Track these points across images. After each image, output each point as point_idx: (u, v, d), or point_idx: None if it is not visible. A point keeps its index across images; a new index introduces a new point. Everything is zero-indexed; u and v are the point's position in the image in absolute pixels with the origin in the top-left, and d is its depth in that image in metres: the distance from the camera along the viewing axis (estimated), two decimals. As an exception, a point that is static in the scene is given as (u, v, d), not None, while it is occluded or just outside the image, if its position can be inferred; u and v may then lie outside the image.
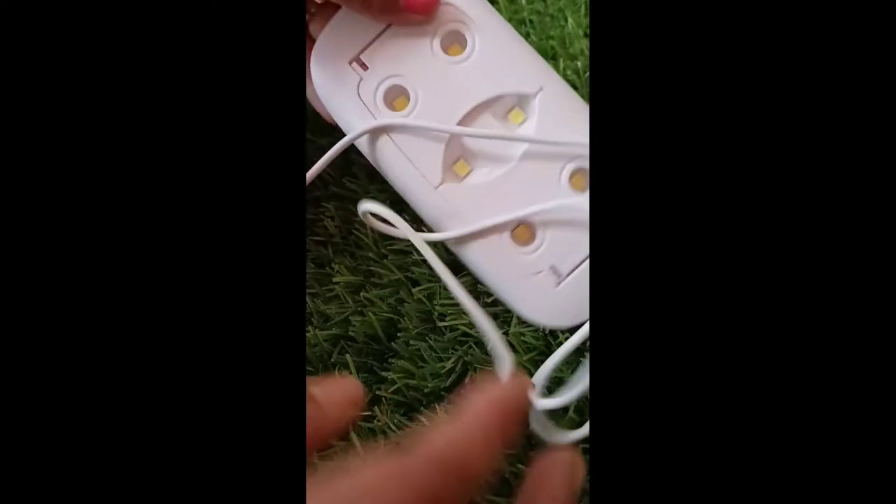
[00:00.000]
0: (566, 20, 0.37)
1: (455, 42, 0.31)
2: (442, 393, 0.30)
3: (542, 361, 0.30)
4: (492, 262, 0.30)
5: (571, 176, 0.30)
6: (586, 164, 0.29)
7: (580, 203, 0.29)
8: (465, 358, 0.31)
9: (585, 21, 0.37)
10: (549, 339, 0.30)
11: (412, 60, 0.30)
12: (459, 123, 0.30)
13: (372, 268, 0.33)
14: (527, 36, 0.38)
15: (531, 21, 0.38)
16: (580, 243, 0.29)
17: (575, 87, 0.35)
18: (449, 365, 0.30)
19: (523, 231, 0.30)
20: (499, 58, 0.30)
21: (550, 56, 0.36)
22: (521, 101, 0.31)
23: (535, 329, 0.31)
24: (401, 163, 0.30)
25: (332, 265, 0.33)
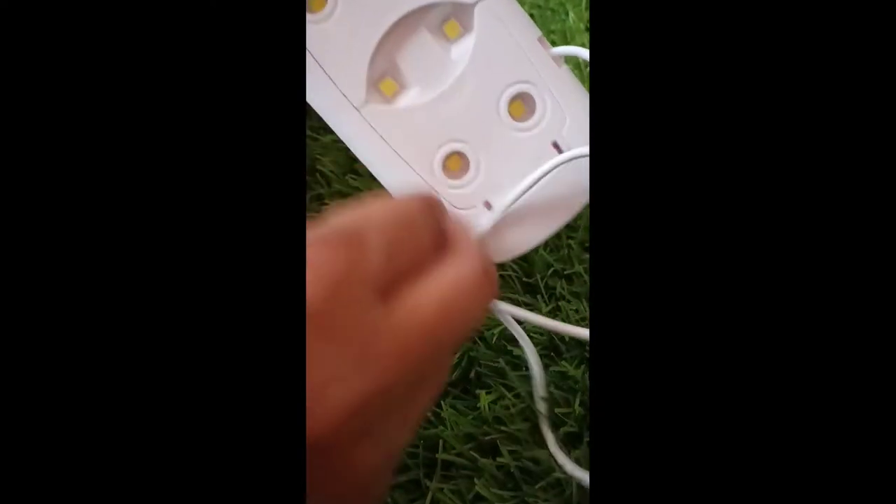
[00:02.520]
0: (567, 14, 0.37)
1: None
2: (448, 388, 0.30)
3: (547, 355, 0.30)
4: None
5: (511, 102, 0.27)
6: (529, 87, 0.27)
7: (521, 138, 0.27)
8: (471, 353, 0.31)
9: (586, 15, 0.37)
10: (552, 335, 0.30)
11: None
12: (387, 34, 0.27)
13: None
14: (528, 30, 0.38)
15: (532, 15, 0.38)
16: (517, 175, 0.27)
17: (576, 82, 0.35)
18: (454, 360, 0.30)
19: (455, 161, 0.27)
20: None
21: (551, 50, 0.36)
22: (457, 12, 0.27)
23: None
24: (317, 76, 0.27)
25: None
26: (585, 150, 0.26)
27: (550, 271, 0.32)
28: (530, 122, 0.27)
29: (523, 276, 0.32)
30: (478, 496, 0.26)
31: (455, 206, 0.27)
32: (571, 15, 0.37)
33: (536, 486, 0.26)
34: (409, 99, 0.27)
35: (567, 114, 0.27)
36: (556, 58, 0.27)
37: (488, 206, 0.27)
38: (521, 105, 0.27)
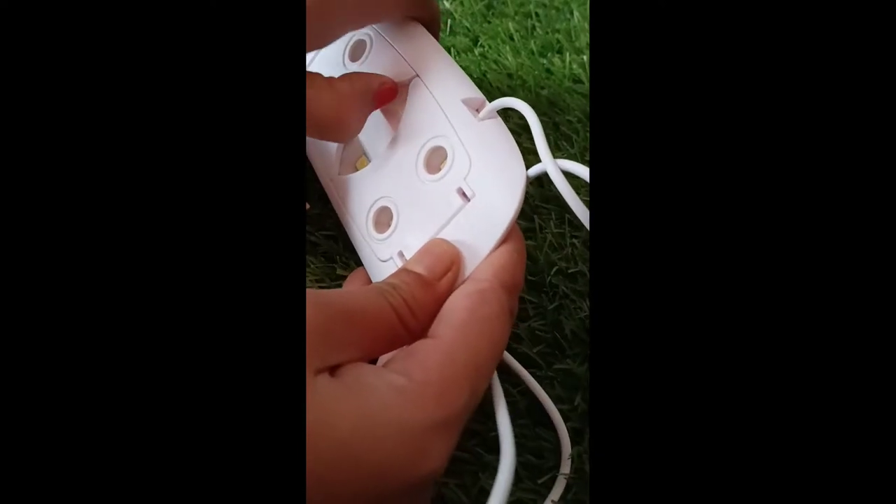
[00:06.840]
0: (572, 13, 0.37)
1: (360, 49, 0.33)
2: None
3: (550, 353, 0.30)
4: (358, 249, 0.31)
5: (427, 157, 0.29)
6: (442, 141, 0.29)
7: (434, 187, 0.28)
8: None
9: (591, 14, 0.37)
10: (556, 333, 0.31)
11: (327, 67, 0.35)
12: None
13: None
14: (532, 29, 0.38)
15: (537, 14, 0.38)
16: (428, 228, 0.28)
17: (580, 81, 0.35)
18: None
19: (384, 216, 0.30)
20: (387, 51, 0.32)
21: (556, 50, 0.37)
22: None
23: (545, 321, 0.31)
24: (312, 150, 0.35)
25: (342, 258, 0.34)
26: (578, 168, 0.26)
27: (554, 270, 0.32)
28: (440, 174, 0.28)
29: (528, 275, 0.32)
30: (482, 490, 0.27)
31: (379, 259, 0.30)
32: (577, 14, 0.37)
33: (539, 482, 0.26)
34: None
35: (473, 160, 0.27)
36: (489, 112, 0.28)
37: (402, 256, 0.29)
38: (436, 158, 0.29)
